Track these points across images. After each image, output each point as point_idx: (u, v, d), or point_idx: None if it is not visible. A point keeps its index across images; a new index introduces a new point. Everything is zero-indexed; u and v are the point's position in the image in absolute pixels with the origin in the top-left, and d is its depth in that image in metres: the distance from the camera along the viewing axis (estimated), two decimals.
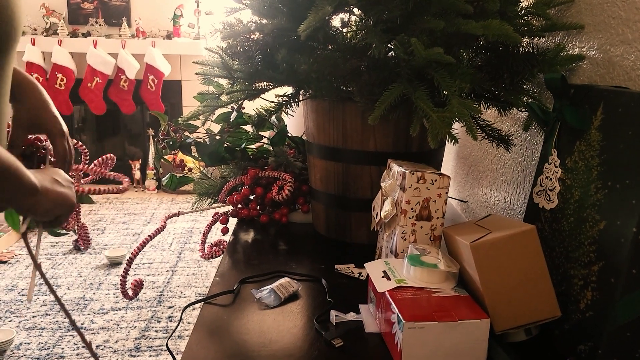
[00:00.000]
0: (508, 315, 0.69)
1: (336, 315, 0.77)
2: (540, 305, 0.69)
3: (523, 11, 0.94)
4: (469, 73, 0.84)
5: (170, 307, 2.41)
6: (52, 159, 0.88)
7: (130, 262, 1.10)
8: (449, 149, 1.67)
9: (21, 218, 0.73)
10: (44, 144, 0.91)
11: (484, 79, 0.90)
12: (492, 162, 1.30)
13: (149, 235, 1.13)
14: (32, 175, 0.66)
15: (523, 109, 0.99)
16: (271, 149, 1.26)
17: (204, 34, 4.15)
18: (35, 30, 4.03)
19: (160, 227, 1.14)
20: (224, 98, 1.06)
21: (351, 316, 0.78)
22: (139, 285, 1.11)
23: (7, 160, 0.60)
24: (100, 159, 1.04)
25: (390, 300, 0.69)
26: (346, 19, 1.06)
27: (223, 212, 1.22)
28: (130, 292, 1.09)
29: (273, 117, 1.25)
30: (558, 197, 0.76)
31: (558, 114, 0.78)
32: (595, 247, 0.66)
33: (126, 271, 1.11)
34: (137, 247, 1.09)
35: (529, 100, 0.93)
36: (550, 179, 0.78)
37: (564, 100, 0.77)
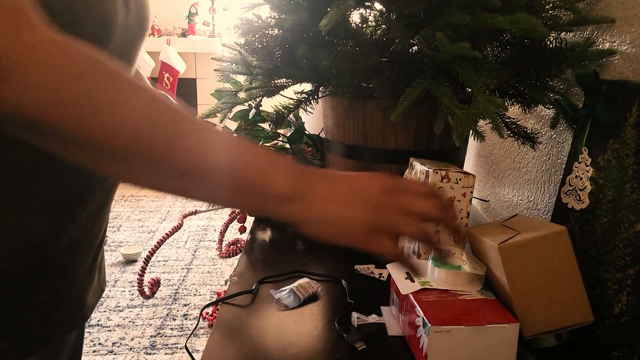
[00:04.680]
0: (538, 319, 0.66)
1: (358, 317, 0.75)
2: (571, 309, 0.66)
3: (550, 5, 0.91)
4: (495, 69, 0.82)
5: (185, 305, 2.41)
6: None
7: (147, 260, 1.09)
8: (469, 147, 1.64)
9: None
10: None
11: (509, 75, 0.88)
12: (514, 161, 1.27)
13: (165, 234, 1.12)
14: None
15: (549, 106, 0.96)
16: (288, 146, 1.24)
17: (219, 32, 4.15)
18: None
19: (177, 226, 1.13)
20: (242, 95, 1.04)
21: (373, 318, 0.76)
22: (156, 284, 1.10)
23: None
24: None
25: (415, 302, 0.67)
26: (366, 14, 1.04)
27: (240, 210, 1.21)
28: (147, 291, 1.08)
29: (290, 115, 1.24)
30: (589, 197, 0.73)
31: (589, 111, 0.75)
32: (631, 250, 0.64)
33: (143, 270, 1.10)
34: (155, 246, 1.08)
35: (557, 97, 0.90)
36: (581, 178, 0.76)
37: (596, 96, 0.74)
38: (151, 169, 0.45)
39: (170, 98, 0.47)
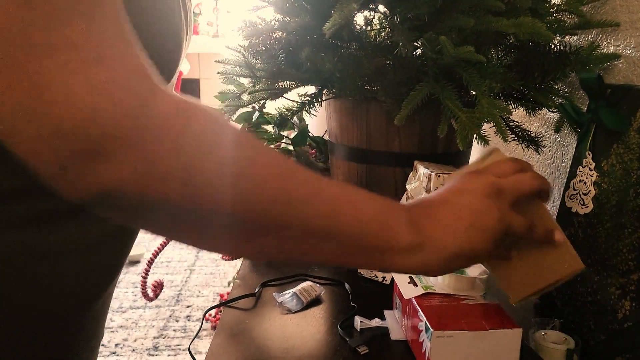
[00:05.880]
0: (523, 282, 0.57)
1: (361, 321, 0.75)
2: (558, 262, 0.57)
3: (555, 8, 0.91)
4: (499, 72, 0.81)
5: (188, 307, 2.41)
6: None
7: (150, 263, 1.09)
8: (474, 150, 1.64)
9: None
10: None
11: (513, 78, 0.87)
12: None
13: None
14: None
15: (554, 110, 0.96)
16: (292, 148, 1.24)
17: (223, 32, 4.16)
18: None
19: None
20: (245, 97, 1.04)
21: (376, 322, 0.76)
22: (159, 286, 1.10)
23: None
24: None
25: (418, 307, 0.67)
26: (370, 17, 1.04)
27: None
28: (150, 294, 1.08)
29: (294, 117, 1.24)
30: (593, 202, 0.73)
31: (593, 115, 0.75)
32: (635, 255, 0.63)
33: (146, 272, 1.10)
34: (158, 248, 1.08)
35: (561, 101, 0.89)
36: (585, 183, 0.75)
37: (600, 100, 0.74)
38: (277, 237, 0.40)
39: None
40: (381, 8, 0.96)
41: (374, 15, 1.02)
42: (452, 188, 0.49)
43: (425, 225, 0.46)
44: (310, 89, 1.05)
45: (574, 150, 0.80)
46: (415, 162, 0.90)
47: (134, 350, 2.05)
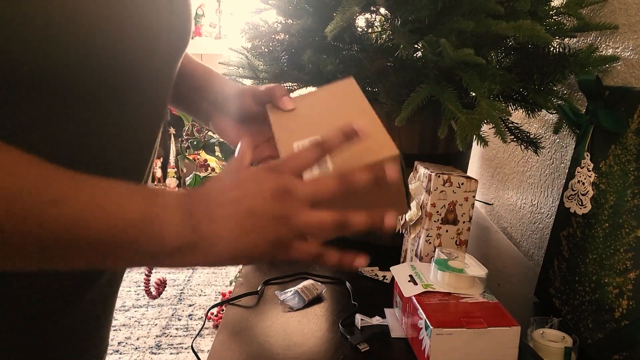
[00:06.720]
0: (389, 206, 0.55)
1: (361, 319, 0.76)
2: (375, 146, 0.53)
3: (554, 11, 0.92)
4: (498, 74, 0.82)
5: (190, 305, 2.42)
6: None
7: None
8: (474, 150, 1.65)
9: None
10: None
11: (513, 80, 0.88)
12: (518, 165, 1.28)
13: None
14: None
15: (553, 111, 0.97)
16: None
17: (226, 34, 4.17)
18: None
19: None
20: None
21: (376, 320, 0.77)
22: (162, 285, 1.11)
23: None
24: None
25: (417, 305, 0.68)
26: (371, 20, 1.05)
27: None
28: (154, 291, 1.10)
29: None
30: (591, 202, 0.74)
31: (591, 117, 0.76)
32: (632, 255, 0.64)
33: (150, 270, 1.12)
34: None
35: (560, 103, 0.90)
36: (583, 183, 0.76)
37: (598, 102, 0.75)
38: (20, 248, 0.37)
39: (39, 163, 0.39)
40: (382, 11, 0.97)
41: (375, 18, 1.03)
42: (242, 181, 0.46)
43: (203, 225, 0.43)
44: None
45: (573, 151, 0.81)
46: (416, 162, 0.91)
47: (136, 348, 2.07)
